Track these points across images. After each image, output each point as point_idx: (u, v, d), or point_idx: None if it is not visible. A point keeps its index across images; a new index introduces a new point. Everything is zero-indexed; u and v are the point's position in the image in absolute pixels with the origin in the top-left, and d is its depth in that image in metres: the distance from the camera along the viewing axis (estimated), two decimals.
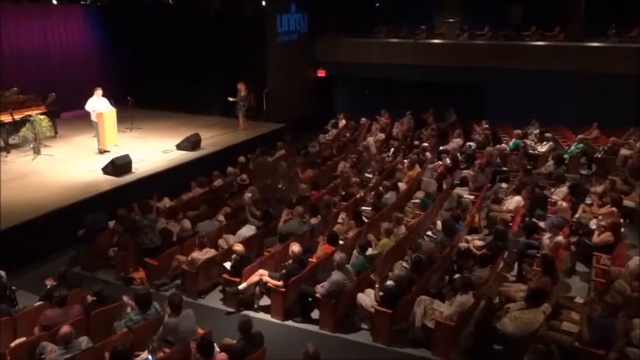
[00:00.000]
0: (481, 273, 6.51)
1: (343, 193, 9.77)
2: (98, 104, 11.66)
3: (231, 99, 14.07)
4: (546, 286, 5.96)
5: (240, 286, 6.78)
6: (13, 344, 5.43)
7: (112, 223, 8.41)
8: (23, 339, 5.54)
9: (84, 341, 5.20)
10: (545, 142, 12.50)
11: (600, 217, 7.97)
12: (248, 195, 9.10)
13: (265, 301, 6.96)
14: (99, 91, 11.74)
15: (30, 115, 11.69)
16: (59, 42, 15.57)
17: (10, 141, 11.84)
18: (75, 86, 14.73)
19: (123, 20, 15.88)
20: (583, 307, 6.00)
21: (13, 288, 6.50)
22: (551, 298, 5.94)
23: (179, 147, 12.32)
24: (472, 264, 6.79)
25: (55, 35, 15.45)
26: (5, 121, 11.72)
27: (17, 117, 11.82)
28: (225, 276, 7.05)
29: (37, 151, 11.56)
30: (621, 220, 8.10)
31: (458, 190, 9.94)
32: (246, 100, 14.09)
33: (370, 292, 6.40)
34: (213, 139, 13.32)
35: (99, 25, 16.52)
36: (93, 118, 11.72)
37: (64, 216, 8.73)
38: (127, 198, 9.17)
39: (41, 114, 11.94)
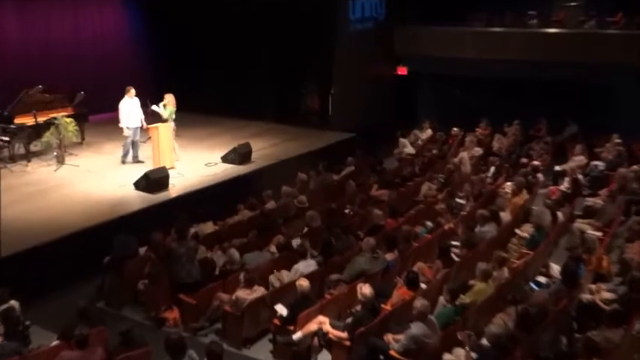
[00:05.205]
0: (610, 335, 6.22)
1: (428, 223, 9.64)
2: (131, 109, 12.11)
3: (155, 109, 12.27)
4: None
5: (295, 336, 6.79)
6: None
7: (143, 250, 8.68)
8: None
9: None
10: None
11: None
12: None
13: (325, 356, 6.93)
14: (132, 91, 12.22)
15: (55, 118, 12.33)
16: (92, 34, 16.40)
17: (32, 147, 12.54)
18: (107, 85, 15.41)
19: (164, 10, 16.57)
20: None
21: (27, 323, 6.82)
22: None
23: (225, 159, 12.63)
24: (598, 322, 6.51)
25: (87, 26, 16.31)
26: (28, 124, 12.45)
27: (41, 119, 12.53)
28: (277, 322, 7.07)
29: (60, 160, 12.19)
30: None
31: (580, 224, 9.62)
32: (171, 116, 12.24)
33: (460, 352, 6.26)
34: (265, 150, 13.60)
35: (137, 16, 17.35)
36: (124, 124, 12.16)
37: (88, 239, 9.13)
38: (162, 220, 9.48)
39: (67, 116, 12.58)
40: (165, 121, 12.09)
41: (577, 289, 7.37)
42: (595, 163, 12.65)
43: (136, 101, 12.32)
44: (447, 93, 18.00)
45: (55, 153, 12.25)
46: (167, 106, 12.20)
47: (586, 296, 7.38)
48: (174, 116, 12.27)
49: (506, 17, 17.38)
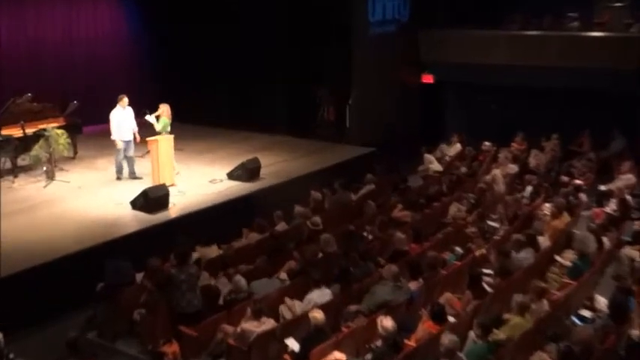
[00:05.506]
0: None
1: (457, 248, 9.60)
2: (122, 120, 12.21)
3: (148, 119, 12.33)
4: None
5: None
6: None
7: (139, 276, 8.70)
8: None
9: None
10: None
11: None
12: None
13: None
14: (124, 100, 12.35)
15: (45, 129, 12.45)
16: (86, 35, 16.56)
17: (19, 161, 12.67)
18: (102, 92, 15.52)
19: (165, 9, 16.78)
20: None
21: (11, 356, 6.80)
22: None
23: (231, 176, 12.70)
24: None
25: (81, 27, 16.49)
26: (15, 135, 12.56)
27: (29, 131, 12.65)
28: (287, 357, 7.02)
29: (50, 176, 12.30)
30: None
31: (629, 251, 9.46)
32: (165, 129, 12.21)
33: None
34: (276, 166, 13.68)
35: (135, 14, 17.54)
36: (116, 137, 12.25)
37: (79, 263, 9.17)
38: (160, 243, 9.52)
39: (58, 128, 12.74)
40: (158, 133, 12.15)
41: (626, 324, 7.27)
42: None
43: (129, 111, 12.41)
44: (478, 103, 17.98)
45: (44, 168, 12.38)
46: (161, 117, 12.26)
47: (636, 332, 7.27)
48: (168, 129, 12.31)
49: (543, 20, 17.36)
